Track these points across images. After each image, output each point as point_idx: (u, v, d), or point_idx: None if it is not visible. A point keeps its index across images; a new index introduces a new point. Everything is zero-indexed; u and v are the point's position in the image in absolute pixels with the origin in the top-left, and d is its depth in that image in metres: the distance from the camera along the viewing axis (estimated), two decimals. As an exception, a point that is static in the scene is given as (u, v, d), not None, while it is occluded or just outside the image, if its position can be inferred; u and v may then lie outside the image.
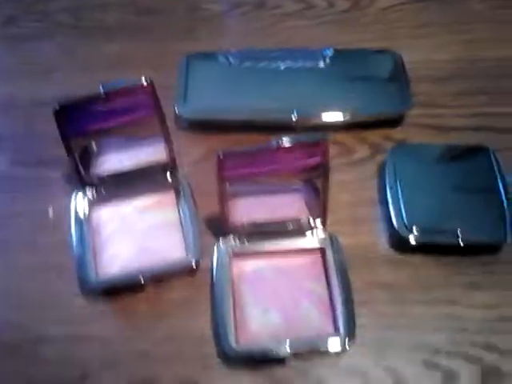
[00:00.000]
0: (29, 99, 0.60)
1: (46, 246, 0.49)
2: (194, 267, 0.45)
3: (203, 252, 0.46)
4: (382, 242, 0.48)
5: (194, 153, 0.55)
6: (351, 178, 0.52)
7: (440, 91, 0.58)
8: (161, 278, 0.46)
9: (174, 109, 0.55)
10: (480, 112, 0.56)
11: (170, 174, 0.51)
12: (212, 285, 0.45)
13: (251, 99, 0.56)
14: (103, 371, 0.43)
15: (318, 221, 0.47)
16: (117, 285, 0.45)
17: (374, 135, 0.55)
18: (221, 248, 0.46)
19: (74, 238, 0.47)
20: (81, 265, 0.46)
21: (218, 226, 0.47)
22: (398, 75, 0.57)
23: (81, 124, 0.47)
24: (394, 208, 0.48)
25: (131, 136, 0.51)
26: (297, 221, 0.47)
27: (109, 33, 0.66)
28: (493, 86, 0.58)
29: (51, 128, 0.53)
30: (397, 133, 0.55)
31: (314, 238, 0.47)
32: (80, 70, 0.62)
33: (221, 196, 0.44)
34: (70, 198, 0.50)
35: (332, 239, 0.46)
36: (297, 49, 0.60)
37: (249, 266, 0.46)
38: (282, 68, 0.58)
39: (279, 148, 0.41)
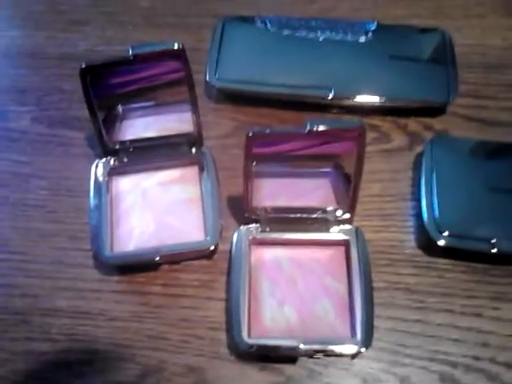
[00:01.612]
0: (56, 52, 0.57)
1: (62, 212, 0.48)
2: (212, 250, 0.44)
3: (223, 235, 0.44)
4: (409, 240, 0.46)
5: (222, 126, 0.52)
6: (384, 168, 0.49)
7: (489, 80, 0.54)
8: (177, 259, 0.44)
9: (204, 75, 0.52)
10: (529, 107, 0.52)
11: (195, 147, 0.48)
12: (229, 270, 0.44)
13: (286, 72, 0.52)
14: (111, 351, 0.42)
15: (346, 212, 0.44)
16: (132, 262, 0.44)
17: (413, 123, 0.52)
18: (241, 233, 0.44)
19: (92, 207, 0.46)
20: (96, 237, 0.44)
21: (240, 208, 0.45)
22: (446, 59, 0.53)
23: (107, 85, 0.45)
24: (427, 205, 0.45)
25: (158, 102, 0.49)
26: (322, 210, 0.44)
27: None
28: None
29: (77, 86, 0.51)
30: (438, 122, 0.52)
31: (338, 231, 0.44)
32: (110, 25, 0.59)
33: (245, 177, 0.42)
34: (91, 163, 0.48)
35: (358, 234, 0.44)
36: (338, 19, 0.56)
37: (268, 254, 0.44)
38: (321, 39, 0.54)
39: (312, 132, 0.38)
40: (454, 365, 0.41)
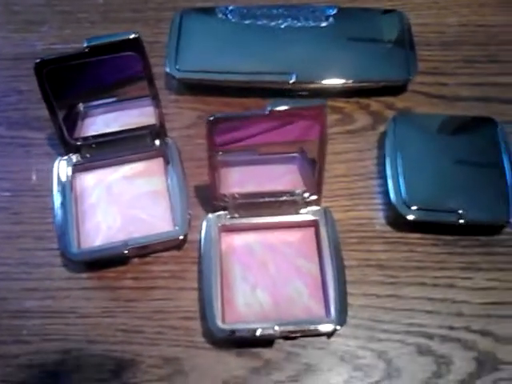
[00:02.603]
0: (13, 52, 0.56)
1: (26, 212, 0.47)
2: (182, 240, 0.43)
3: (192, 225, 0.44)
4: (378, 218, 0.46)
5: (185, 116, 0.52)
6: (349, 148, 0.49)
7: (447, 58, 0.54)
8: (147, 251, 0.44)
9: (164, 68, 0.51)
10: (488, 81, 0.53)
11: (159, 138, 0.48)
12: (200, 259, 0.43)
13: (247, 60, 0.52)
14: (85, 348, 0.41)
15: (313, 194, 0.44)
16: (100, 257, 0.43)
17: (376, 103, 0.52)
18: (210, 221, 0.44)
19: (56, 205, 0.45)
20: (62, 234, 0.43)
21: (208, 197, 0.45)
22: (404, 38, 0.53)
23: (65, 83, 0.45)
24: (393, 182, 0.45)
25: (119, 98, 0.49)
26: (290, 193, 0.44)
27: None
28: (504, 54, 0.54)
29: (35, 86, 0.50)
30: (399, 101, 0.52)
31: (307, 213, 0.44)
32: (67, 23, 0.58)
33: (210, 164, 0.41)
34: (53, 162, 0.47)
35: (326, 214, 0.44)
36: (298, 6, 0.56)
37: (239, 240, 0.44)
38: (282, 26, 0.54)
39: (273, 113, 0.38)
40: (430, 336, 0.41)
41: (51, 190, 0.46)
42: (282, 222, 0.44)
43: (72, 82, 0.45)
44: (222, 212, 0.44)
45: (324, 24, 0.54)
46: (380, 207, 0.46)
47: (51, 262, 0.44)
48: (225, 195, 0.44)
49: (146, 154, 0.48)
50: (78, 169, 0.47)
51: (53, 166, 0.47)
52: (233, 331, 0.39)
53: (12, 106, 0.53)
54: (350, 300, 0.41)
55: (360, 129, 0.51)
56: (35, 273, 0.44)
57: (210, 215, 0.44)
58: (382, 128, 0.50)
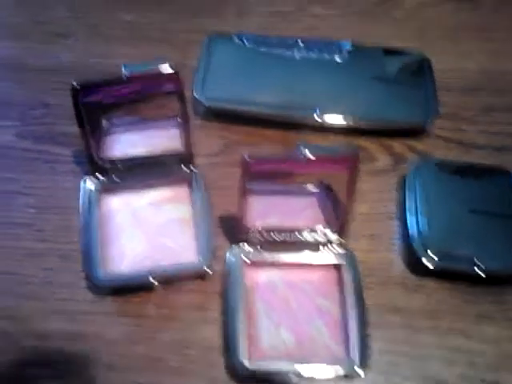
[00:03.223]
0: (38, 64, 0.57)
1: (50, 230, 0.47)
2: (206, 271, 0.44)
3: (216, 255, 0.45)
4: (398, 261, 0.47)
5: (210, 144, 0.52)
6: (369, 188, 0.50)
7: (466, 104, 0.56)
8: (171, 280, 0.44)
9: (191, 92, 0.52)
10: (506, 131, 0.54)
11: (186, 165, 0.48)
12: (224, 293, 0.44)
13: (271, 91, 0.53)
14: (106, 374, 0.41)
15: (335, 232, 0.45)
16: (126, 284, 0.44)
17: (397, 144, 0.53)
18: (234, 254, 0.45)
19: (82, 227, 0.45)
20: (87, 258, 0.44)
21: (231, 227, 0.46)
22: (426, 81, 0.55)
23: (97, 103, 0.45)
24: (412, 227, 0.47)
25: (145, 116, 0.49)
26: (312, 229, 0.45)
27: (125, -2, 0.62)
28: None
29: (62, 100, 0.51)
30: (420, 143, 0.53)
31: (330, 253, 0.45)
32: (94, 38, 0.59)
33: (241, 200, 0.42)
34: (78, 180, 0.48)
35: (349, 256, 0.45)
36: (320, 39, 0.58)
37: (262, 276, 0.45)
38: (298, 58, 0.56)
39: (307, 158, 0.39)
40: None
41: (76, 209, 0.47)
42: (305, 261, 0.45)
43: (101, 99, 0.45)
44: (245, 245, 0.45)
45: (338, 59, 0.56)
46: (399, 249, 0.47)
47: (76, 284, 0.45)
48: (249, 228, 0.45)
49: (172, 179, 0.49)
50: (104, 190, 0.48)
51: (78, 185, 0.47)
52: (257, 370, 0.40)
53: (38, 120, 0.53)
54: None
55: (381, 169, 0.52)
56: (59, 293, 0.44)
57: (234, 247, 0.45)
58: (402, 169, 0.51)
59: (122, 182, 0.48)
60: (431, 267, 0.45)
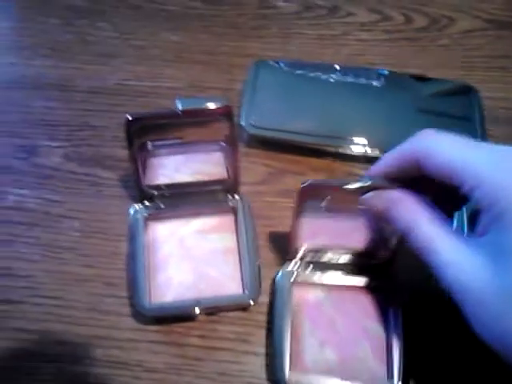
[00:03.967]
0: (85, 85, 0.57)
1: (96, 255, 0.47)
2: (251, 304, 0.44)
3: (260, 286, 0.45)
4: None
5: (255, 172, 0.52)
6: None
7: (513, 136, 0.55)
8: (214, 311, 0.45)
9: (237, 119, 0.52)
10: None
11: (232, 194, 0.49)
12: (271, 311, 0.44)
13: (314, 119, 0.53)
14: (149, 404, 0.42)
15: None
16: (170, 313, 0.44)
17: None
18: (284, 274, 0.45)
19: (129, 254, 0.46)
20: (134, 286, 0.44)
21: (277, 257, 0.47)
22: (474, 112, 0.54)
23: (144, 129, 0.45)
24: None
25: (189, 140, 0.49)
26: (362, 256, 0.46)
27: (170, 19, 0.62)
28: None
29: (108, 122, 0.52)
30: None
31: (377, 277, 0.46)
32: (139, 59, 0.59)
33: (295, 224, 0.43)
34: (124, 205, 0.48)
35: (396, 281, 0.45)
36: (362, 66, 0.58)
37: (310, 295, 0.45)
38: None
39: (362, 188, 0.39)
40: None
41: (122, 235, 0.47)
42: (353, 284, 0.46)
43: (151, 127, 0.45)
44: (294, 264, 0.46)
45: (378, 85, 0.55)
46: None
47: (119, 311, 0.45)
48: (299, 248, 0.45)
49: (219, 208, 0.49)
50: (151, 217, 0.48)
51: (123, 210, 0.48)
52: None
53: (85, 142, 0.53)
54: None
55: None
56: (103, 320, 0.45)
57: (284, 266, 0.46)
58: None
59: (169, 209, 0.48)
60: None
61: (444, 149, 0.33)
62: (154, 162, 0.50)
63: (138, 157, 0.46)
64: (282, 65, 0.56)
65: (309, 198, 0.41)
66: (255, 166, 0.53)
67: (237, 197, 0.49)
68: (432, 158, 0.34)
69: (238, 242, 0.47)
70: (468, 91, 0.56)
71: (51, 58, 0.59)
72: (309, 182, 0.39)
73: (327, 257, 0.46)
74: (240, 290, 0.45)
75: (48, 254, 0.48)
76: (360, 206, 0.39)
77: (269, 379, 0.42)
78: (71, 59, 0.58)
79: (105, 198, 0.50)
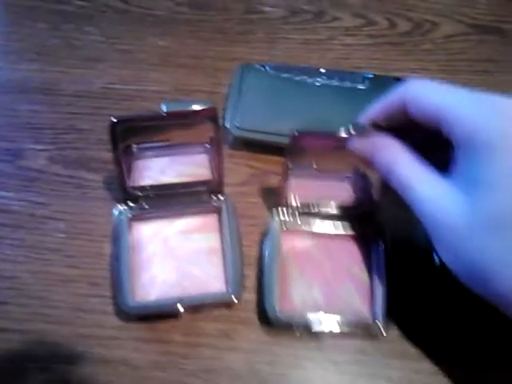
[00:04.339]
0: (71, 88, 0.57)
1: (81, 256, 0.48)
2: (234, 302, 0.45)
3: (244, 284, 0.45)
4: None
5: (239, 173, 0.53)
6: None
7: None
8: (198, 308, 0.45)
9: (222, 121, 0.53)
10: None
11: (216, 194, 0.49)
12: (261, 257, 0.47)
13: (298, 121, 0.53)
14: (134, 400, 0.42)
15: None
16: (153, 311, 0.44)
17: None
18: (274, 221, 0.48)
19: (113, 254, 0.46)
20: (117, 285, 0.44)
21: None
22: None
23: (130, 132, 0.45)
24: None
25: (173, 142, 0.50)
26: (348, 208, 0.48)
27: (157, 24, 0.63)
28: None
29: (94, 125, 0.52)
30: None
31: (364, 226, 0.48)
32: (124, 63, 0.60)
33: (285, 172, 0.46)
34: (109, 206, 0.48)
35: (381, 229, 0.48)
36: (348, 70, 0.58)
37: (299, 242, 0.48)
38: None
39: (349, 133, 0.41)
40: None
41: (106, 236, 0.47)
42: (340, 232, 0.48)
43: (135, 129, 0.46)
44: (285, 213, 0.48)
45: (362, 87, 0.56)
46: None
47: (104, 310, 0.45)
48: (289, 200, 0.48)
49: (203, 208, 0.49)
50: (134, 218, 0.48)
51: (108, 211, 0.48)
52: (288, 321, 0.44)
53: (70, 145, 0.54)
54: (391, 373, 0.43)
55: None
56: (87, 319, 0.45)
57: (275, 214, 0.48)
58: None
59: (153, 209, 0.48)
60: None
61: (429, 93, 0.36)
62: (140, 164, 0.51)
63: (123, 159, 0.46)
64: (267, 68, 0.56)
65: (299, 152, 0.43)
66: (239, 168, 0.53)
67: (221, 197, 0.49)
68: (418, 102, 0.36)
69: (221, 241, 0.48)
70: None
71: (37, 61, 0.59)
72: (300, 130, 0.42)
73: (315, 207, 0.48)
74: (223, 288, 0.45)
75: (33, 255, 0.48)
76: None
77: (260, 319, 0.45)
78: (57, 63, 0.59)
79: (89, 200, 0.51)
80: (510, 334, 0.43)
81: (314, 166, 0.47)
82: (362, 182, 0.48)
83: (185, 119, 0.44)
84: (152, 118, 0.43)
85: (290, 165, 0.45)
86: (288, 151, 0.44)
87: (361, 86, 0.56)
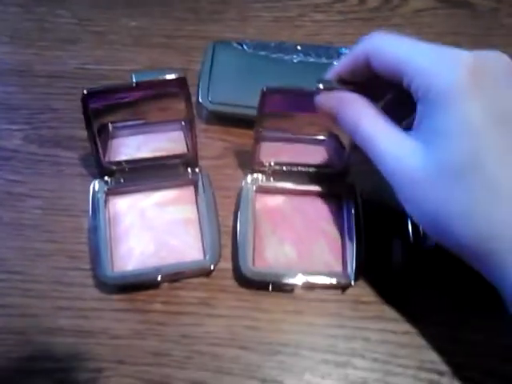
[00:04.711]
0: (46, 69, 0.58)
1: (59, 231, 0.48)
2: (211, 269, 0.45)
3: (221, 253, 0.46)
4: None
5: (213, 147, 0.54)
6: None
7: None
8: (177, 277, 0.46)
9: (196, 97, 0.53)
10: None
11: (191, 167, 0.50)
12: (235, 215, 0.48)
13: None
14: (115, 368, 0.43)
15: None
16: (133, 281, 0.45)
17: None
18: (247, 182, 0.49)
19: (90, 228, 0.46)
20: (96, 258, 0.45)
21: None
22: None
23: (104, 108, 0.46)
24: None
25: (149, 120, 0.50)
26: (320, 167, 0.50)
27: (129, 5, 0.63)
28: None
29: (68, 105, 0.53)
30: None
31: (334, 185, 0.50)
32: (98, 44, 0.60)
33: (256, 132, 0.46)
34: (85, 182, 0.49)
35: (351, 188, 0.49)
36: (320, 45, 0.59)
37: (271, 201, 0.50)
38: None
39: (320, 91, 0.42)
40: (441, 373, 0.44)
41: (84, 211, 0.48)
42: (311, 190, 0.50)
43: (108, 104, 0.46)
44: (258, 174, 0.50)
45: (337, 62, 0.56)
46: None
47: (83, 282, 0.46)
48: (262, 161, 0.49)
49: (178, 181, 0.50)
50: (111, 192, 0.49)
51: (85, 187, 0.48)
52: (261, 276, 0.45)
53: (45, 124, 0.54)
54: (367, 334, 0.44)
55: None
56: (67, 292, 0.46)
57: (249, 176, 0.49)
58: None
59: (129, 183, 0.49)
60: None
61: (390, 46, 0.37)
62: (116, 142, 0.52)
63: (101, 138, 0.46)
64: (245, 46, 0.57)
65: (270, 112, 0.44)
66: (214, 142, 0.54)
67: (196, 170, 0.50)
68: (380, 55, 0.37)
69: (198, 212, 0.48)
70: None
71: (10, 44, 0.59)
72: (269, 86, 0.42)
73: (288, 167, 0.49)
74: (201, 256, 0.46)
75: (11, 231, 0.48)
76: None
77: (235, 272, 0.46)
78: (30, 45, 0.59)
79: (66, 177, 0.51)
80: (482, 295, 0.44)
81: (286, 128, 0.48)
82: (333, 144, 0.49)
83: (156, 90, 0.44)
84: (123, 88, 0.43)
85: (260, 125, 0.45)
86: (258, 110, 0.44)
87: (336, 62, 0.57)
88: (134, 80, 0.43)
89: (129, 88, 0.43)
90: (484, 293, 0.39)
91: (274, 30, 0.62)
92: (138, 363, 0.43)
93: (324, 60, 0.57)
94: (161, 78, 0.43)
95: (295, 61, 0.57)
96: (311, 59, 0.57)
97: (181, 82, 0.44)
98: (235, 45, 0.57)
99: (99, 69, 0.58)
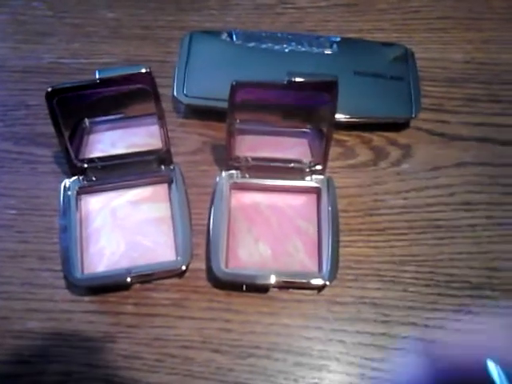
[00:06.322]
0: (21, 64, 0.57)
1: (31, 231, 0.48)
2: (184, 270, 0.45)
3: (194, 253, 0.45)
4: (374, 255, 0.47)
5: (190, 141, 0.52)
6: (349, 183, 0.50)
7: (450, 95, 0.55)
8: (149, 278, 0.45)
9: (171, 90, 0.52)
10: (489, 122, 0.54)
11: (165, 164, 0.49)
12: (210, 213, 0.47)
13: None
14: (86, 372, 0.42)
15: (318, 164, 0.48)
16: (103, 283, 0.44)
17: (378, 137, 0.53)
18: (222, 178, 0.48)
19: (61, 228, 0.46)
20: (66, 258, 0.44)
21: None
22: (409, 74, 0.54)
23: (72, 104, 0.45)
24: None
25: (125, 115, 0.49)
26: (297, 162, 0.48)
27: (106, -4, 0.62)
28: (506, 93, 0.55)
29: (43, 101, 0.51)
30: (401, 137, 0.53)
31: (311, 180, 0.48)
32: (76, 37, 0.59)
33: (229, 127, 0.45)
34: (59, 181, 0.48)
35: (328, 182, 0.48)
36: (304, 34, 0.57)
37: (247, 198, 0.49)
38: (287, 51, 0.55)
39: (290, 83, 0.41)
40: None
41: (56, 211, 0.47)
42: (288, 186, 0.48)
43: (79, 101, 0.45)
44: (234, 170, 0.48)
45: (328, 52, 0.55)
46: (376, 244, 0.48)
47: (54, 284, 0.45)
48: (238, 156, 0.47)
49: (152, 178, 0.49)
50: (83, 191, 0.48)
51: (59, 186, 0.48)
52: (234, 276, 0.44)
53: (19, 121, 0.53)
54: (343, 337, 0.43)
55: (361, 164, 0.52)
56: (38, 293, 0.45)
57: (224, 172, 0.48)
58: (383, 164, 0.51)
59: (101, 181, 0.48)
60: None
61: None
62: (92, 138, 0.51)
63: (73, 134, 0.46)
64: (234, 37, 0.55)
65: (242, 105, 0.43)
66: (191, 136, 0.53)
67: (170, 167, 0.49)
68: None
69: (171, 211, 0.47)
70: (403, 53, 0.56)
71: (-15, 39, 0.58)
72: (238, 80, 0.41)
73: (264, 162, 0.48)
74: (173, 257, 0.45)
75: (-17, 232, 0.48)
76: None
77: (208, 272, 0.45)
78: (5, 39, 0.58)
79: (39, 175, 0.50)
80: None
81: (262, 122, 0.47)
82: (311, 138, 0.48)
83: (124, 85, 0.43)
84: (86, 85, 0.42)
85: (233, 120, 0.44)
86: (229, 105, 0.43)
87: (328, 51, 0.55)
88: (98, 76, 0.42)
89: (94, 84, 0.42)
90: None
91: (254, 18, 0.61)
92: (108, 366, 0.42)
93: (315, 50, 0.55)
94: (124, 73, 0.42)
95: (284, 51, 0.55)
96: (301, 49, 0.55)
97: (146, 78, 0.43)
98: (216, 35, 0.55)
99: (75, 62, 0.57)
